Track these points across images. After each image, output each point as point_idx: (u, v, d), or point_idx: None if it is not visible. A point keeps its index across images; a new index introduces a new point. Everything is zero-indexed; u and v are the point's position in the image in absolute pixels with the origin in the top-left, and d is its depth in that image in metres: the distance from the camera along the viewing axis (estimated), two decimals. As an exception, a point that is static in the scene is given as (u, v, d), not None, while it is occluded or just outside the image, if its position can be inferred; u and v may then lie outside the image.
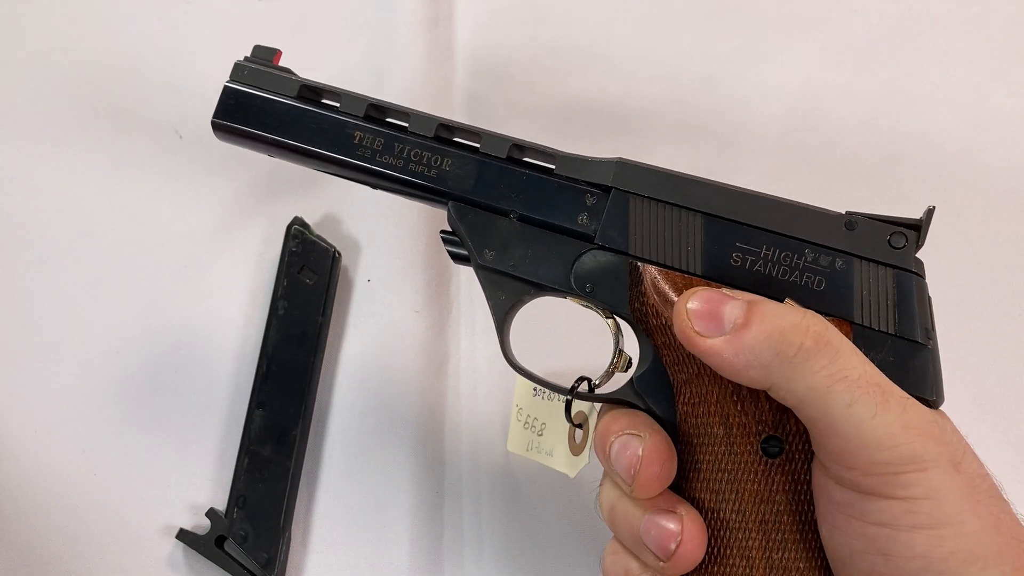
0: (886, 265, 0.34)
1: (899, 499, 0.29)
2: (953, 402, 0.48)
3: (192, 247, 0.53)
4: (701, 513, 0.33)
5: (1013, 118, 0.56)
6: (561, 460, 0.43)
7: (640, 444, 0.33)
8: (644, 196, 0.36)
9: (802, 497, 0.32)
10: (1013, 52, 0.58)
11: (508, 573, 0.45)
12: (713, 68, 0.58)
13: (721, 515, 0.33)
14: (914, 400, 0.31)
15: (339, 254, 0.51)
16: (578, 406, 0.41)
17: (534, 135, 0.56)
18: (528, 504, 0.47)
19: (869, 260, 0.34)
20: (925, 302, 0.35)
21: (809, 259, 0.34)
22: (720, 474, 0.33)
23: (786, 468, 0.33)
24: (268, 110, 0.41)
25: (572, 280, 0.36)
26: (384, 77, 0.56)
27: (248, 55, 0.43)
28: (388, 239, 0.53)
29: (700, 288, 0.34)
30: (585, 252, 0.36)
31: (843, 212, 0.34)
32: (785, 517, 0.32)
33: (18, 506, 0.46)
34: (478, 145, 0.39)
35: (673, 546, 0.32)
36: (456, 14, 0.60)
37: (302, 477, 0.47)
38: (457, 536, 0.47)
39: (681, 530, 0.32)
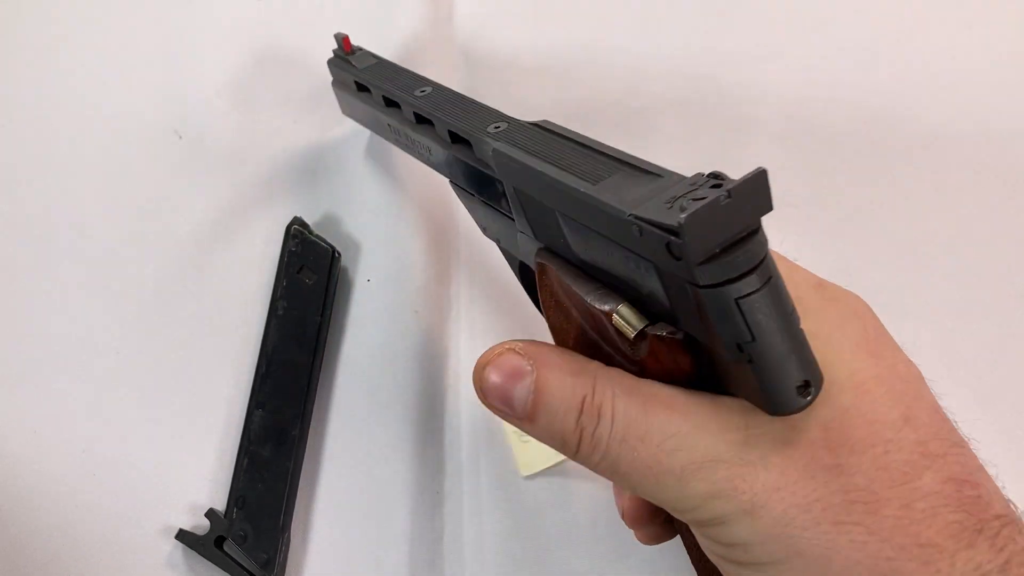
0: (677, 277, 0.27)
1: (724, 544, 0.29)
2: (954, 402, 0.48)
3: (191, 247, 0.53)
4: None
5: (1015, 117, 0.56)
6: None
7: None
8: (517, 188, 0.34)
9: None
10: (1017, 52, 0.58)
11: (508, 573, 0.45)
12: (715, 67, 0.58)
13: None
14: (702, 466, 0.28)
15: (339, 254, 0.51)
16: None
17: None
18: (528, 504, 0.47)
19: (664, 270, 0.28)
20: (728, 315, 0.26)
21: (628, 261, 0.29)
22: None
23: None
24: (349, 98, 0.52)
25: (528, 258, 0.36)
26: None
27: (334, 47, 0.51)
28: (388, 239, 0.53)
29: (500, 356, 0.31)
30: (518, 234, 0.36)
31: (631, 214, 0.27)
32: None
33: (17, 506, 0.46)
34: (445, 128, 0.41)
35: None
36: (456, 13, 0.60)
37: (302, 477, 0.47)
38: (457, 536, 0.47)
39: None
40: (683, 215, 0.24)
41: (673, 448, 0.28)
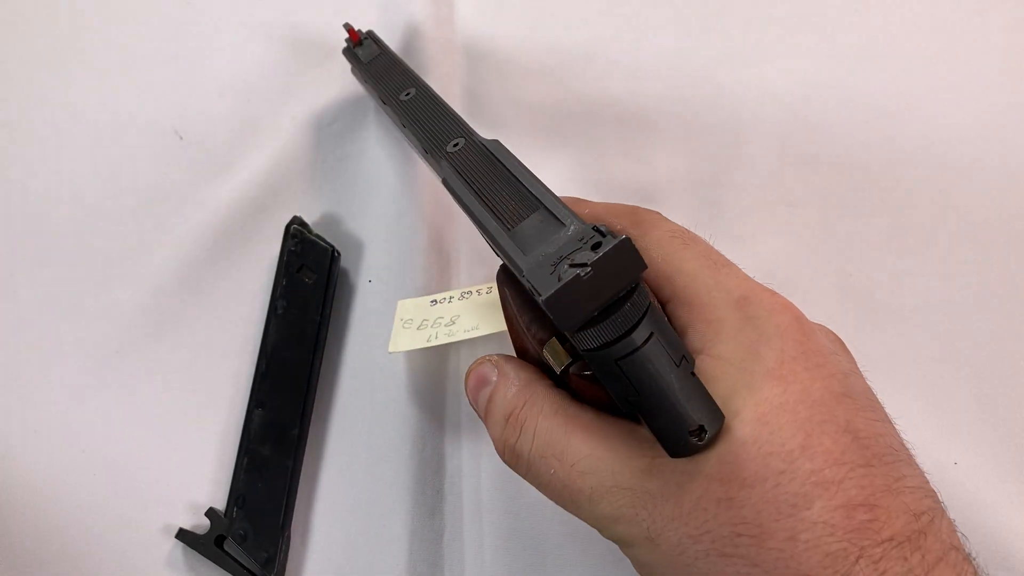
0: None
1: (636, 567, 0.31)
2: (954, 402, 0.48)
3: (191, 247, 0.53)
4: None
5: (1016, 119, 0.56)
6: (491, 324, 0.43)
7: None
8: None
9: None
10: (1017, 52, 0.58)
11: (508, 573, 0.45)
12: (715, 67, 0.58)
13: None
14: (610, 489, 0.30)
15: (338, 253, 0.51)
16: None
17: (534, 134, 0.56)
18: (528, 504, 0.47)
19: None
20: (612, 376, 0.28)
21: None
22: None
23: None
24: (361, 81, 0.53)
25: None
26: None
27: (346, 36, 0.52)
28: (388, 239, 0.53)
29: (484, 358, 0.36)
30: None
31: (524, 275, 0.29)
32: None
33: (17, 506, 0.46)
34: (417, 140, 0.42)
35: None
36: (456, 12, 0.60)
37: (302, 476, 0.47)
38: (457, 536, 0.47)
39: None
40: (547, 293, 0.25)
41: (585, 470, 0.31)
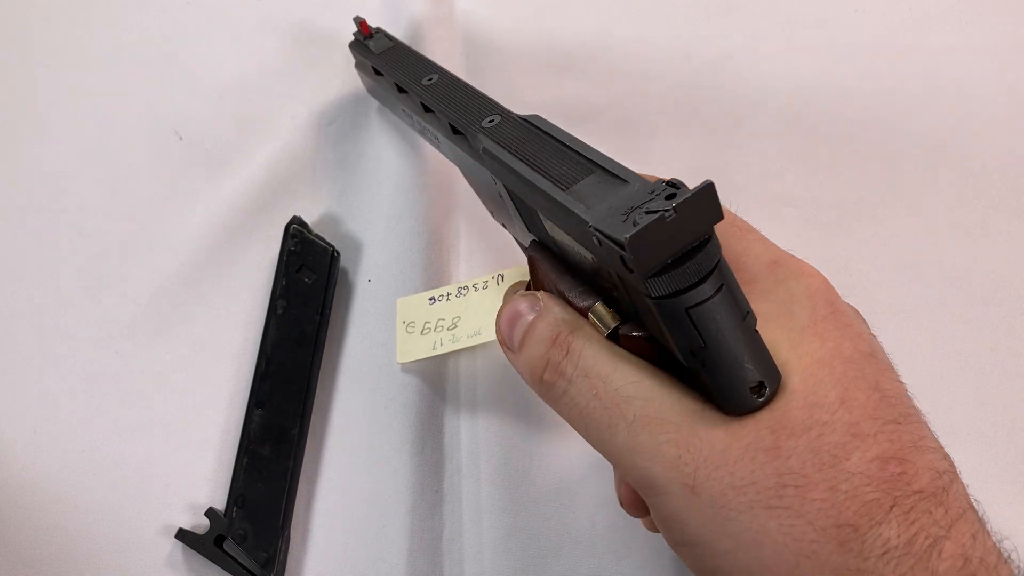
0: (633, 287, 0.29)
1: (659, 520, 0.29)
2: (955, 402, 0.48)
3: (191, 247, 0.53)
4: None
5: (1015, 115, 0.56)
6: (492, 331, 0.43)
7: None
8: (505, 184, 0.36)
9: None
10: (1016, 50, 0.58)
11: (508, 573, 0.45)
12: (715, 66, 0.58)
13: None
14: (656, 418, 0.29)
15: (338, 253, 0.51)
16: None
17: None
18: (528, 504, 0.47)
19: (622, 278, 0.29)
20: (679, 324, 0.27)
21: (599, 272, 0.31)
22: None
23: None
24: (367, 79, 0.53)
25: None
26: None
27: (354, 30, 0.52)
28: (388, 239, 0.53)
29: (516, 297, 0.34)
30: (518, 222, 0.38)
31: (590, 224, 0.28)
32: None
33: (16, 506, 0.46)
34: (446, 120, 0.41)
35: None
36: (456, 12, 0.60)
37: (302, 477, 0.47)
38: (457, 536, 0.47)
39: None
40: (627, 234, 0.25)
41: (631, 395, 0.29)
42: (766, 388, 0.28)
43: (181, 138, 0.56)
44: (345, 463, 0.48)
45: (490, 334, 0.44)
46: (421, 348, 0.47)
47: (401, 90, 0.47)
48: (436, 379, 0.50)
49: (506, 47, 0.59)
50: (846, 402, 0.28)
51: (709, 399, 0.29)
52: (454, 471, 0.48)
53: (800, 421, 0.27)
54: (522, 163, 0.33)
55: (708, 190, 0.26)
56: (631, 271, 0.26)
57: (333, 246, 0.51)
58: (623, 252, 0.25)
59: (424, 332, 0.47)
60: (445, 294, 0.46)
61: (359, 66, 0.54)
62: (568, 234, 0.31)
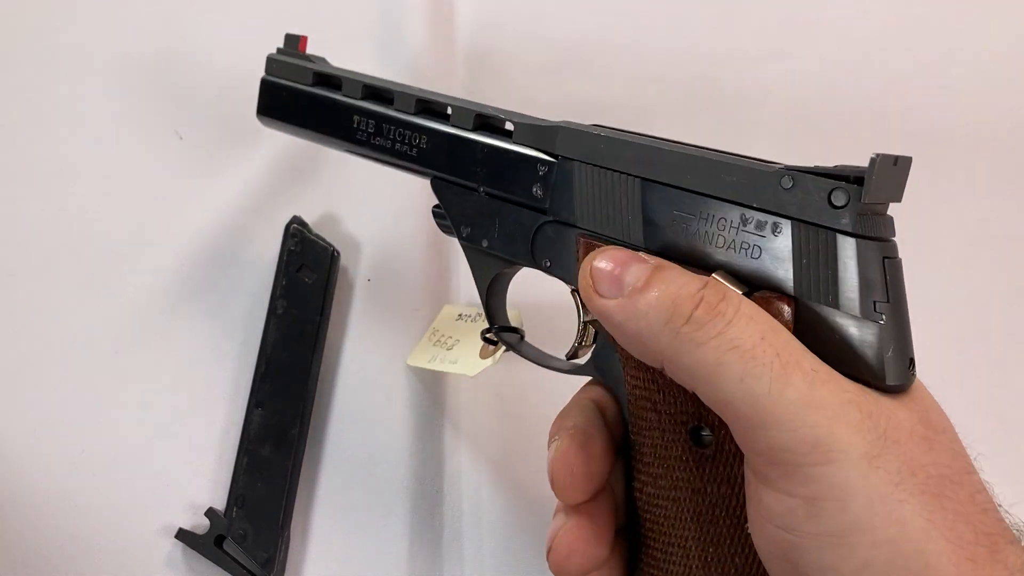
0: (826, 228, 0.28)
1: (802, 499, 0.25)
2: (956, 402, 0.48)
3: (191, 247, 0.53)
4: (642, 501, 0.32)
5: (1015, 115, 0.56)
6: (465, 365, 0.44)
7: (552, 450, 0.33)
8: (586, 163, 0.34)
9: (736, 491, 0.29)
10: (1016, 50, 0.58)
11: (507, 573, 0.45)
12: (715, 67, 0.58)
13: (661, 504, 0.31)
14: (835, 376, 0.26)
15: (338, 253, 0.51)
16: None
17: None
18: (528, 504, 0.47)
19: (807, 223, 0.28)
20: (875, 269, 0.27)
21: (744, 225, 0.29)
22: (658, 461, 0.31)
23: (718, 459, 0.30)
24: (293, 99, 0.44)
25: (533, 255, 0.36)
26: (384, 76, 0.57)
27: (280, 46, 0.46)
28: (388, 239, 0.53)
29: (611, 248, 0.31)
30: (541, 225, 0.36)
31: (780, 167, 0.29)
32: (719, 511, 0.30)
33: (17, 506, 0.46)
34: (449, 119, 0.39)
35: (548, 545, 0.32)
36: (456, 12, 0.60)
37: (302, 477, 0.47)
38: (457, 536, 0.47)
39: (554, 533, 0.32)
40: (857, 172, 0.27)
41: (805, 346, 0.27)
42: (914, 368, 0.27)
43: (181, 138, 0.56)
44: (345, 463, 0.48)
45: (461, 369, 0.44)
46: (424, 358, 0.47)
47: (372, 95, 0.42)
48: (437, 380, 0.50)
49: (506, 49, 0.59)
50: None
51: (851, 370, 0.27)
52: (454, 471, 0.48)
53: (937, 420, 0.27)
54: (625, 134, 0.34)
55: (905, 159, 0.27)
56: (837, 207, 0.27)
57: (333, 246, 0.51)
58: (845, 184, 0.27)
59: (435, 344, 0.47)
60: (474, 315, 0.46)
61: (272, 90, 0.45)
62: (709, 194, 0.30)
